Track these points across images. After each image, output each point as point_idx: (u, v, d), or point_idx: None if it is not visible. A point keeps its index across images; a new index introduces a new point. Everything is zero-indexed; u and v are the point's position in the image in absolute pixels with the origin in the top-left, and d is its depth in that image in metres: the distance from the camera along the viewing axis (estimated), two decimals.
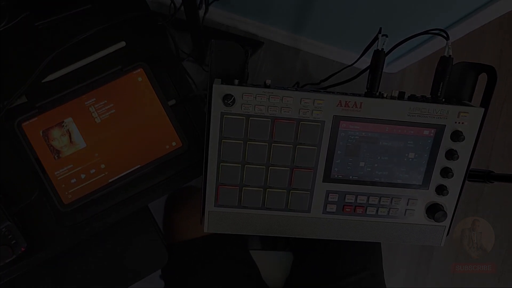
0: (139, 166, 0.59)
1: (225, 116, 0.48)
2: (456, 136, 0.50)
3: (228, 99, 0.47)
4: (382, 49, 0.50)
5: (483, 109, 0.51)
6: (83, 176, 0.57)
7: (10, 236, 0.52)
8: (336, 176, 0.52)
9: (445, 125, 0.51)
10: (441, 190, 0.53)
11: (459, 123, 0.51)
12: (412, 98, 0.52)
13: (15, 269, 0.55)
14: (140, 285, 0.68)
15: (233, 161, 0.50)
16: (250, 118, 0.48)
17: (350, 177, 0.52)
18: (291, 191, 0.52)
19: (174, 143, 0.60)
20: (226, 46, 0.49)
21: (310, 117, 0.49)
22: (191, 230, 0.75)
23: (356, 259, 0.77)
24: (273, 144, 0.50)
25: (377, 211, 0.54)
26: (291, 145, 0.50)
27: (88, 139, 0.58)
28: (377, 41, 0.50)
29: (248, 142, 0.49)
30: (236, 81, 0.48)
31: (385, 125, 0.50)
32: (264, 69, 1.40)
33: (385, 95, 0.51)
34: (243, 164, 0.50)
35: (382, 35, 0.49)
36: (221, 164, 0.50)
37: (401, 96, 0.51)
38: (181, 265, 0.74)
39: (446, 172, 0.52)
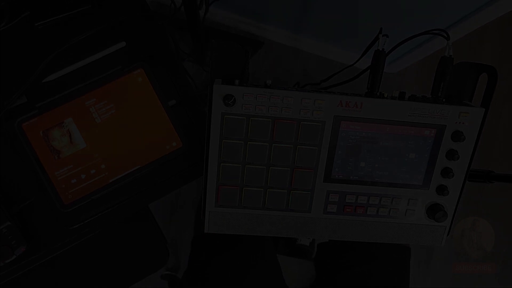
0: (139, 166, 0.59)
1: (225, 116, 0.48)
2: (457, 136, 0.50)
3: (228, 99, 0.47)
4: (383, 49, 0.50)
5: (483, 109, 0.50)
6: (83, 176, 0.57)
7: (10, 237, 0.52)
8: (336, 176, 0.52)
9: (445, 125, 0.51)
10: (441, 190, 0.53)
11: (459, 123, 0.50)
12: (413, 98, 0.52)
13: (15, 269, 0.55)
14: (140, 285, 0.68)
15: (234, 161, 0.50)
16: (251, 118, 0.48)
17: (351, 177, 0.52)
18: (291, 191, 0.52)
19: (174, 143, 0.60)
20: (227, 46, 0.49)
21: (311, 117, 0.49)
22: None
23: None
24: (273, 144, 0.50)
25: (377, 211, 0.54)
26: (292, 145, 0.50)
27: (88, 140, 0.57)
28: (377, 41, 0.49)
29: (248, 142, 0.49)
30: (237, 81, 0.48)
31: (386, 125, 0.50)
32: (264, 69, 1.40)
33: (385, 95, 0.51)
34: (244, 164, 0.50)
35: (383, 35, 0.49)
36: (222, 164, 0.50)
37: (401, 96, 0.51)
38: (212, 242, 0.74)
39: (446, 172, 0.52)
